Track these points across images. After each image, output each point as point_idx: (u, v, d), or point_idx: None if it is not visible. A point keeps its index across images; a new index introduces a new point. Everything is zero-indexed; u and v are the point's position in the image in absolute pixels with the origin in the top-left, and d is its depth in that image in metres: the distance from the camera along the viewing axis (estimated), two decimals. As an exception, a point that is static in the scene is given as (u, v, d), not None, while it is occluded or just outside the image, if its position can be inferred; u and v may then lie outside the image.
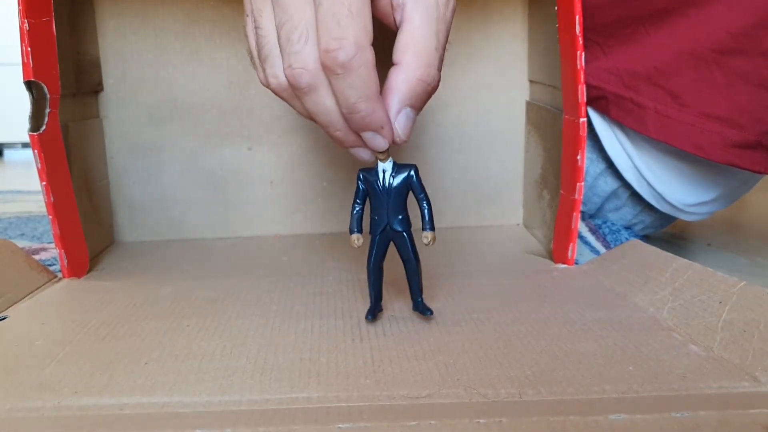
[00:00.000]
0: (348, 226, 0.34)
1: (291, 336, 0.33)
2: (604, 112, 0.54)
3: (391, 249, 0.35)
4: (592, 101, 0.53)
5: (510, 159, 0.58)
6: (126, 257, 0.51)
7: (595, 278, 0.42)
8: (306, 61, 0.28)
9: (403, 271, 0.35)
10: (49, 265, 0.45)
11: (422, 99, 0.31)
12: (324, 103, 0.30)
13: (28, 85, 0.40)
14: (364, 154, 0.32)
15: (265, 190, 0.57)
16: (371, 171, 0.33)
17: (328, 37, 0.27)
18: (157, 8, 0.53)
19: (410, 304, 0.36)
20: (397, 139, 0.31)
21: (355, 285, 0.42)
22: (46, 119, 0.40)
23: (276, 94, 0.32)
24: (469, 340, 0.32)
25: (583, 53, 0.41)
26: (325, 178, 0.57)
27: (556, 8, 0.43)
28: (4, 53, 1.60)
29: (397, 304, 0.38)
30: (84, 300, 0.40)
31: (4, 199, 0.98)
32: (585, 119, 0.42)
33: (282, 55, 0.29)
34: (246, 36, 0.33)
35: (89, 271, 0.46)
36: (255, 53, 0.32)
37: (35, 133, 0.40)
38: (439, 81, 0.31)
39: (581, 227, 0.57)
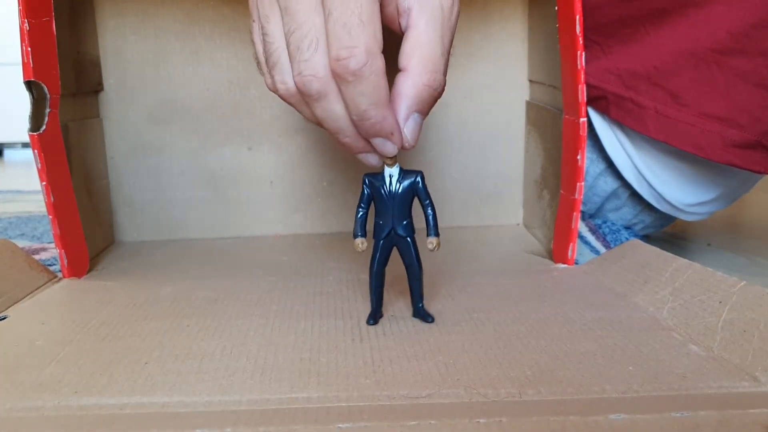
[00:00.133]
0: (352, 229, 0.34)
1: (291, 336, 0.33)
2: (604, 112, 0.54)
3: (394, 253, 0.35)
4: (592, 101, 0.53)
5: (510, 159, 0.58)
6: (126, 257, 0.51)
7: (595, 278, 0.42)
8: (316, 69, 0.29)
9: (404, 272, 0.35)
10: (49, 265, 0.45)
11: (429, 104, 0.31)
12: (334, 109, 0.30)
13: (28, 85, 0.40)
14: (372, 160, 0.32)
15: (265, 190, 0.57)
16: (377, 176, 0.33)
17: (339, 45, 0.27)
18: (157, 8, 0.53)
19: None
20: (406, 145, 0.31)
21: (355, 285, 0.42)
22: (46, 119, 0.40)
23: (284, 100, 0.32)
24: (469, 340, 0.32)
25: (583, 53, 0.41)
26: (325, 178, 0.57)
27: (556, 8, 0.43)
28: (4, 53, 1.60)
29: (398, 304, 0.38)
30: (84, 300, 0.40)
31: (4, 199, 0.98)
32: (585, 119, 0.42)
33: (291, 63, 0.30)
34: (252, 41, 0.33)
35: (89, 271, 0.46)
36: (262, 59, 0.32)
37: (35, 133, 0.40)
38: (444, 85, 0.31)
39: (581, 227, 0.57)
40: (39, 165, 0.40)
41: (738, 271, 0.55)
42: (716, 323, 0.31)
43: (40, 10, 0.40)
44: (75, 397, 0.27)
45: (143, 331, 0.34)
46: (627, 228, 0.60)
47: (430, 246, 0.33)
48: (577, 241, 0.45)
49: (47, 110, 0.41)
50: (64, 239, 0.43)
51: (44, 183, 0.41)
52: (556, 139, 0.47)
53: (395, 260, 0.35)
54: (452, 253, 0.49)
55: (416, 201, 0.34)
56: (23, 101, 0.40)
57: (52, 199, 0.41)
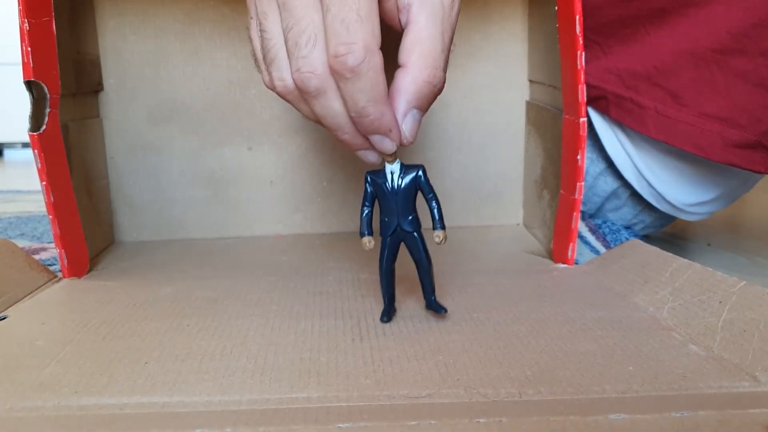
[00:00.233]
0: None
1: (291, 336, 0.33)
2: (604, 111, 0.54)
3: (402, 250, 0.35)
4: (592, 101, 0.53)
5: (510, 159, 0.58)
6: (126, 257, 0.51)
7: (595, 278, 0.42)
8: (315, 65, 0.28)
9: (406, 271, 0.35)
10: (49, 265, 0.45)
11: (429, 100, 0.31)
12: (332, 106, 0.30)
13: (28, 85, 0.40)
14: (371, 157, 0.32)
15: (265, 190, 0.57)
16: (379, 173, 0.33)
17: (337, 41, 0.27)
18: (157, 8, 0.53)
19: (413, 303, 0.36)
20: (405, 141, 0.31)
21: (355, 285, 0.42)
22: (46, 119, 0.40)
23: (282, 97, 0.32)
24: (469, 340, 0.32)
25: (583, 53, 0.41)
26: (325, 177, 0.57)
27: (556, 8, 0.43)
28: (4, 53, 1.60)
29: (398, 303, 0.38)
30: (84, 300, 0.40)
31: (4, 199, 0.98)
32: (585, 119, 0.42)
33: (290, 59, 0.29)
34: (249, 38, 0.33)
35: (89, 270, 0.46)
36: (260, 56, 0.32)
37: (35, 133, 0.40)
38: (444, 82, 0.31)
39: (581, 227, 0.57)
40: (39, 165, 0.40)
41: (738, 271, 0.55)
42: (716, 323, 0.31)
43: (40, 10, 0.40)
44: (75, 397, 0.27)
45: (143, 331, 0.34)
46: (627, 228, 0.60)
47: (437, 239, 0.33)
48: (577, 241, 0.45)
49: (47, 110, 0.41)
50: (64, 239, 0.43)
51: (44, 183, 0.41)
52: (556, 139, 0.47)
53: (398, 258, 0.35)
54: (452, 253, 0.49)
55: (420, 196, 0.34)
56: (23, 101, 0.40)
57: (52, 199, 0.41)
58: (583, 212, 0.60)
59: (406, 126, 0.31)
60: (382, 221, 0.34)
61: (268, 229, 0.57)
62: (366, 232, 0.34)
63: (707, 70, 0.49)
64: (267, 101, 0.55)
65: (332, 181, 0.57)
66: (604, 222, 0.60)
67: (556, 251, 0.46)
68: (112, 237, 0.56)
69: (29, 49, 0.39)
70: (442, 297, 0.39)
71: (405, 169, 0.33)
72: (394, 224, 0.33)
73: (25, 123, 0.40)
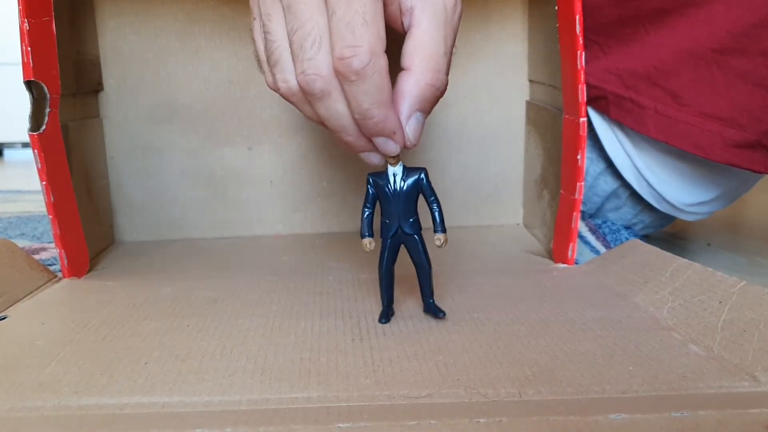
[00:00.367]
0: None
1: (291, 336, 0.33)
2: (604, 111, 0.54)
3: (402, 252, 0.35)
4: (592, 101, 0.53)
5: (510, 159, 0.58)
6: (126, 257, 0.51)
7: (595, 278, 0.42)
8: (320, 68, 0.28)
9: (406, 272, 0.35)
10: (49, 265, 0.45)
11: (431, 103, 0.31)
12: (336, 108, 0.30)
13: (28, 85, 0.40)
14: (375, 159, 0.32)
15: (265, 190, 0.57)
16: (381, 175, 0.33)
17: (343, 44, 0.27)
18: (157, 8, 0.53)
19: (413, 303, 0.36)
20: (408, 144, 0.31)
21: (355, 285, 0.42)
22: (46, 119, 0.40)
23: (285, 98, 0.32)
24: (469, 340, 0.32)
25: (583, 53, 0.41)
26: (325, 177, 0.57)
27: (556, 8, 0.43)
28: (4, 53, 1.60)
29: (397, 304, 0.38)
30: (84, 300, 0.40)
31: (4, 199, 0.98)
32: (585, 119, 0.42)
33: (294, 61, 0.29)
34: (252, 39, 0.33)
35: (89, 270, 0.46)
36: (263, 57, 0.32)
37: (35, 133, 0.40)
38: (446, 85, 0.31)
39: (581, 227, 0.57)
40: (39, 165, 0.40)
41: (738, 271, 0.55)
42: (716, 323, 0.31)
43: (40, 10, 0.40)
44: (75, 397, 0.27)
45: (143, 331, 0.34)
46: (627, 228, 0.60)
47: (437, 242, 0.33)
48: (577, 241, 0.45)
49: (47, 110, 0.41)
50: (64, 239, 0.43)
51: (44, 183, 0.41)
52: (556, 139, 0.47)
53: (398, 260, 0.35)
54: (452, 253, 0.49)
55: (422, 198, 0.34)
56: (23, 101, 0.40)
57: (52, 199, 0.41)
58: (583, 212, 0.60)
59: (410, 129, 0.31)
60: (383, 223, 0.34)
61: (268, 229, 0.57)
62: (367, 234, 0.34)
63: (707, 70, 0.49)
64: (267, 101, 0.55)
65: (332, 181, 0.57)
66: (604, 222, 0.60)
67: (556, 251, 0.46)
68: (112, 237, 0.56)
69: (29, 49, 0.39)
70: (442, 297, 0.39)
71: (407, 171, 0.33)
72: (395, 226, 0.34)
73: (25, 123, 0.40)
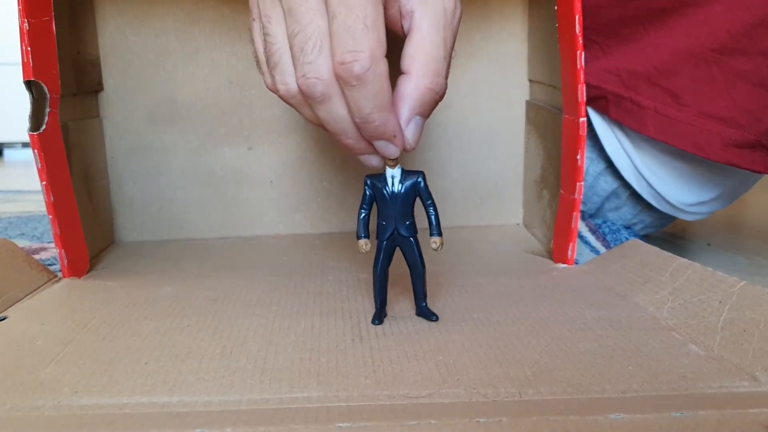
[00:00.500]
0: (352, 229, 0.34)
1: (291, 336, 0.33)
2: (603, 111, 0.54)
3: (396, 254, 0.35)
4: (591, 101, 0.53)
5: (510, 159, 0.58)
6: (126, 257, 0.51)
7: (595, 278, 0.42)
8: (320, 72, 0.29)
9: (405, 272, 0.35)
10: (49, 265, 0.45)
11: (431, 107, 0.31)
12: (337, 112, 0.30)
13: (28, 84, 0.40)
14: (374, 161, 0.32)
15: (265, 190, 0.57)
16: (379, 177, 0.33)
17: (343, 49, 0.28)
18: (157, 8, 0.53)
19: (412, 304, 0.36)
20: (408, 147, 0.31)
21: (355, 285, 0.42)
22: (46, 119, 0.40)
23: (284, 100, 0.32)
24: (469, 340, 0.32)
25: (583, 53, 0.41)
26: (325, 177, 0.57)
27: (556, 8, 0.43)
28: (4, 53, 1.60)
29: (398, 304, 0.38)
30: (84, 300, 0.40)
31: (4, 199, 0.98)
32: (585, 119, 0.42)
33: (294, 64, 0.29)
34: (252, 40, 0.33)
35: (89, 270, 0.46)
36: (262, 59, 0.32)
37: (35, 133, 0.40)
38: (446, 89, 0.31)
39: (581, 227, 0.57)
40: (39, 165, 0.40)
41: (738, 271, 0.55)
42: (716, 323, 0.31)
43: (40, 10, 0.40)
44: (75, 397, 0.27)
45: (143, 331, 0.34)
46: (627, 228, 0.60)
47: (433, 246, 0.34)
48: (577, 241, 0.45)
49: (47, 110, 0.41)
50: (64, 239, 0.43)
51: (44, 183, 0.41)
52: (556, 139, 0.47)
53: (395, 260, 0.35)
54: (452, 253, 0.49)
55: (419, 201, 0.34)
56: (23, 101, 0.40)
57: (52, 198, 0.41)
58: (583, 212, 0.60)
59: (409, 132, 0.31)
60: (379, 225, 0.34)
61: (268, 229, 0.57)
62: (362, 235, 0.34)
63: (707, 70, 0.49)
64: (267, 101, 0.55)
65: (332, 181, 0.57)
66: (604, 222, 0.60)
67: (556, 251, 0.46)
68: (112, 237, 0.56)
69: (29, 49, 0.39)
70: (442, 297, 0.39)
71: (405, 174, 0.33)
72: (392, 228, 0.34)
73: (25, 123, 0.40)
